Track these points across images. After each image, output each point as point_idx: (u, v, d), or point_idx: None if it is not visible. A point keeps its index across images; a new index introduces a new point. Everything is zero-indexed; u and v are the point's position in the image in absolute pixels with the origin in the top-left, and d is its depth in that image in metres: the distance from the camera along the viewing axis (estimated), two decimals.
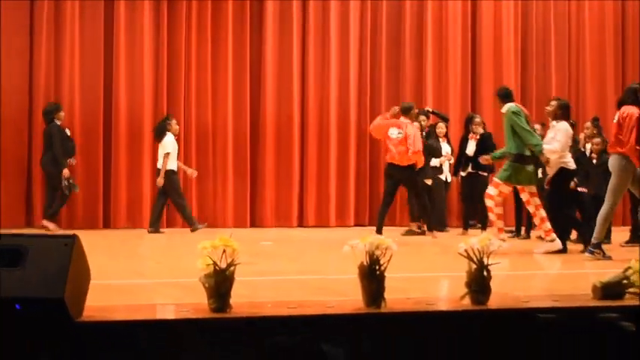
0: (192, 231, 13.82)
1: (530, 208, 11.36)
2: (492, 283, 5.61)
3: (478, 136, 14.58)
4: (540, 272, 9.42)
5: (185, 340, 4.81)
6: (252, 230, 14.80)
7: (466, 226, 14.62)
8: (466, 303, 5.63)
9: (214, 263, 5.06)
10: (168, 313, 5.04)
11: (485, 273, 5.71)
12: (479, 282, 5.69)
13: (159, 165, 14.28)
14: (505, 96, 11.37)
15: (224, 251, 5.07)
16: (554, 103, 11.52)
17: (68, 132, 14.63)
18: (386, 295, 5.35)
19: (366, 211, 16.36)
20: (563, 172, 11.17)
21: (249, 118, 15.85)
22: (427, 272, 8.46)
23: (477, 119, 14.90)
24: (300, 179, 16.14)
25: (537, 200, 11.20)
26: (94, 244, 7.68)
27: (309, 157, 16.21)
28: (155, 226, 14.04)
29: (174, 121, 14.55)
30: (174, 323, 4.85)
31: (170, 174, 14.16)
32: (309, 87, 16.26)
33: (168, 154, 14.08)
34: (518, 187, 11.34)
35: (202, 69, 15.72)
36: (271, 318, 5.11)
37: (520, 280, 8.32)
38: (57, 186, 14.12)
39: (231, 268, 5.08)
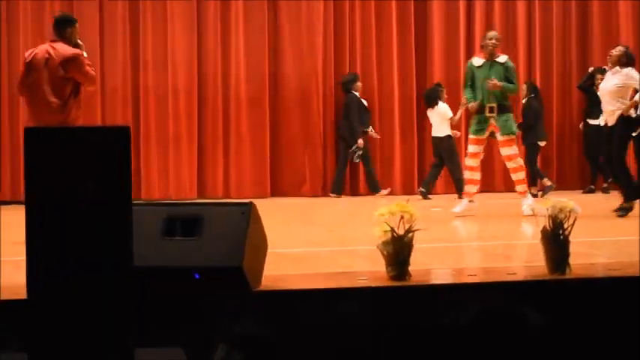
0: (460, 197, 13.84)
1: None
2: None
3: None
4: None
5: (364, 308, 4.70)
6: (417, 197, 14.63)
7: None
8: None
9: (392, 230, 4.92)
10: (347, 282, 4.92)
11: None
12: None
13: (435, 133, 14.38)
14: None
15: (402, 217, 4.93)
16: (621, 48, 10.90)
17: (365, 102, 15.03)
18: (570, 260, 5.12)
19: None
20: None
21: (415, 85, 15.59)
22: (610, 236, 8.07)
23: None
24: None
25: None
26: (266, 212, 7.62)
27: None
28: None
29: (444, 90, 14.62)
30: (353, 292, 4.73)
31: (447, 139, 14.28)
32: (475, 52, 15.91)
33: (450, 118, 14.25)
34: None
35: (367, 36, 15.51)
36: (452, 285, 4.95)
37: None
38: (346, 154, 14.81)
39: (410, 234, 4.94)
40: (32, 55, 8.64)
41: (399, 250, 4.93)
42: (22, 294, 4.11)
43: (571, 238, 5.14)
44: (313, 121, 15.27)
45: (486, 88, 10.42)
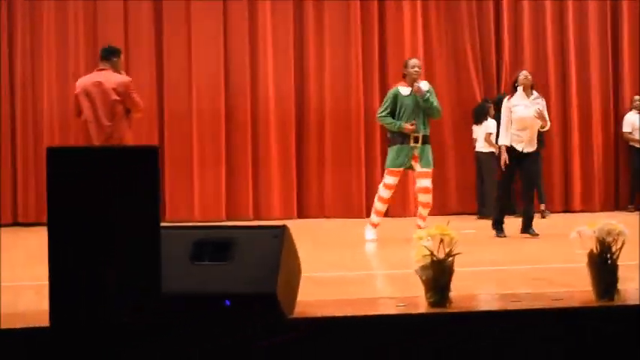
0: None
1: None
2: None
3: None
4: None
5: (402, 337, 4.48)
6: (445, 218, 14.35)
7: None
8: None
9: (432, 254, 4.70)
10: (384, 308, 4.71)
11: None
12: None
13: (479, 147, 14.44)
14: None
15: (441, 240, 4.72)
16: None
17: None
18: (618, 285, 4.88)
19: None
20: None
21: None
22: None
23: None
24: None
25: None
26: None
27: None
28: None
29: (492, 106, 14.59)
30: (391, 319, 4.51)
31: (490, 155, 14.24)
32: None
33: (490, 134, 14.14)
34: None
35: (399, 49, 15.28)
36: (495, 312, 4.72)
37: None
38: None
39: (450, 258, 4.72)
40: (83, 83, 9.61)
41: (438, 275, 4.70)
42: (44, 321, 3.93)
43: (619, 262, 4.91)
44: (342, 141, 15.05)
45: (414, 91, 10.35)
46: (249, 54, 14.85)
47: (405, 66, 10.67)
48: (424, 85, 10.56)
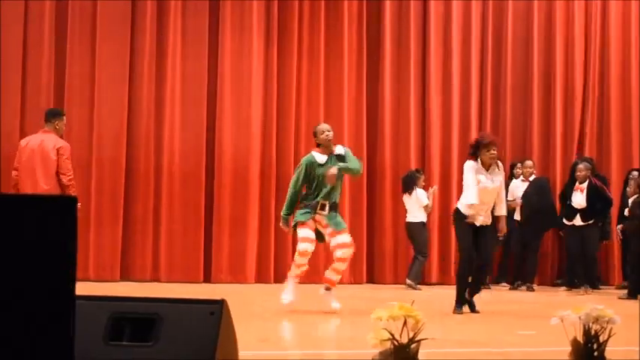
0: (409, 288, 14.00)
1: None
2: None
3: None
4: None
5: None
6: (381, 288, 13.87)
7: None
8: None
9: (393, 338, 4.16)
10: None
11: None
12: None
13: (410, 218, 14.41)
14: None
15: (405, 322, 4.19)
16: None
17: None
18: None
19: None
20: None
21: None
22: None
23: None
24: None
25: None
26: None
27: None
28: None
29: (422, 176, 14.64)
30: None
31: (421, 226, 14.41)
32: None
33: (426, 206, 14.40)
34: None
35: (314, 104, 14.89)
36: None
37: None
38: None
39: (415, 345, 4.18)
40: (27, 142, 10.79)
41: None
42: None
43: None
44: (251, 200, 14.49)
45: (327, 180, 9.56)
46: (155, 101, 14.27)
47: (315, 134, 9.85)
48: (339, 149, 9.88)
